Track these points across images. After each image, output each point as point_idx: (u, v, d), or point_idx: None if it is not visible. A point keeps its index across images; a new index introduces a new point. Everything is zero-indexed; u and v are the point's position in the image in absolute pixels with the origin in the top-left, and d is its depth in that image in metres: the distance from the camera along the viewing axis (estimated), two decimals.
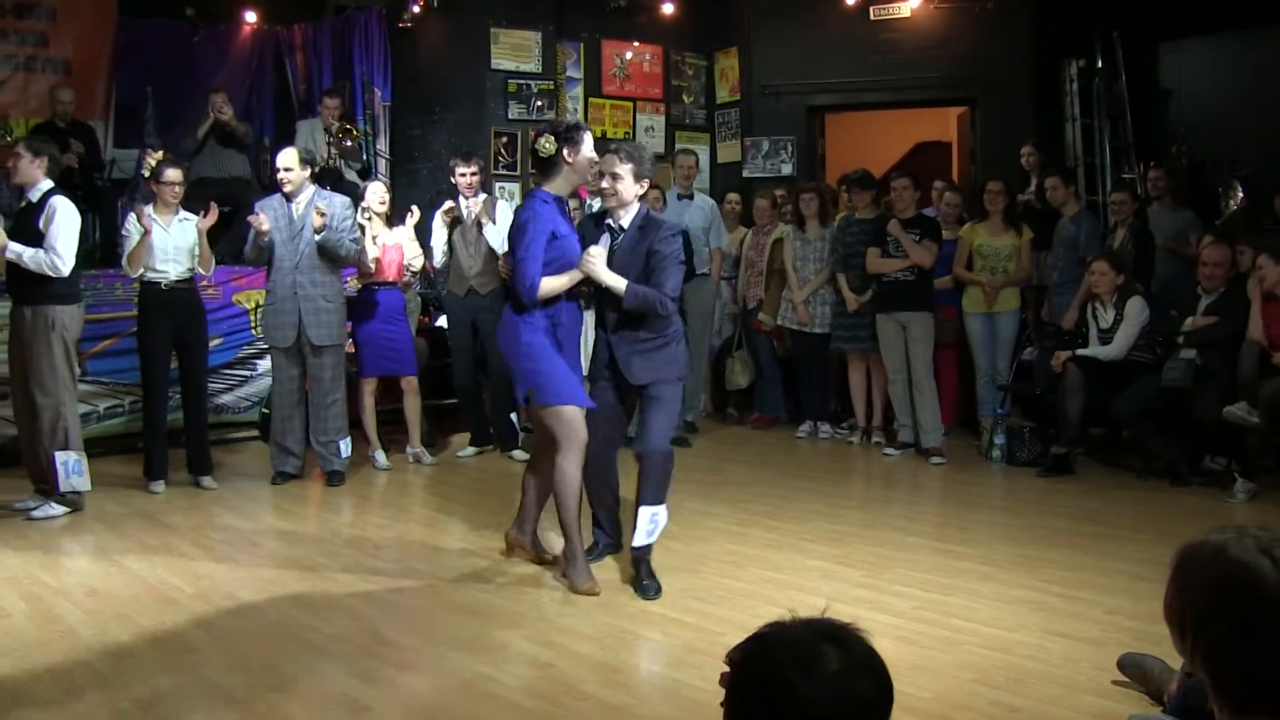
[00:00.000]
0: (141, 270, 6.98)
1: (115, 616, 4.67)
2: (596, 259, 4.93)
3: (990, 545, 5.68)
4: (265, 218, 7.11)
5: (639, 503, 5.06)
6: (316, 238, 7.09)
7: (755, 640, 1.65)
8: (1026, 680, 3.84)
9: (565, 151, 5.04)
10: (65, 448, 6.40)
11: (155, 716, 3.64)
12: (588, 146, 5.10)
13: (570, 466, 5.00)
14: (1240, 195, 9.39)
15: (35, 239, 6.27)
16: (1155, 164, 9.15)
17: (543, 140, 5.10)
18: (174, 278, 7.02)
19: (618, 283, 4.95)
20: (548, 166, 5.11)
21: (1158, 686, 3.60)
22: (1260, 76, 10.08)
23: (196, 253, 7.07)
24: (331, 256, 7.20)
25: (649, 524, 5.03)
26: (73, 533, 6.16)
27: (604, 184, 5.08)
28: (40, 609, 4.79)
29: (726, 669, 1.66)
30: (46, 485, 6.46)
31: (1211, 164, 10.13)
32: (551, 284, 4.97)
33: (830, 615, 1.64)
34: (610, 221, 5.14)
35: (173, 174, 7.07)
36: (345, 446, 7.42)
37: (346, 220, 7.26)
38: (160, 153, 8.93)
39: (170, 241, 6.99)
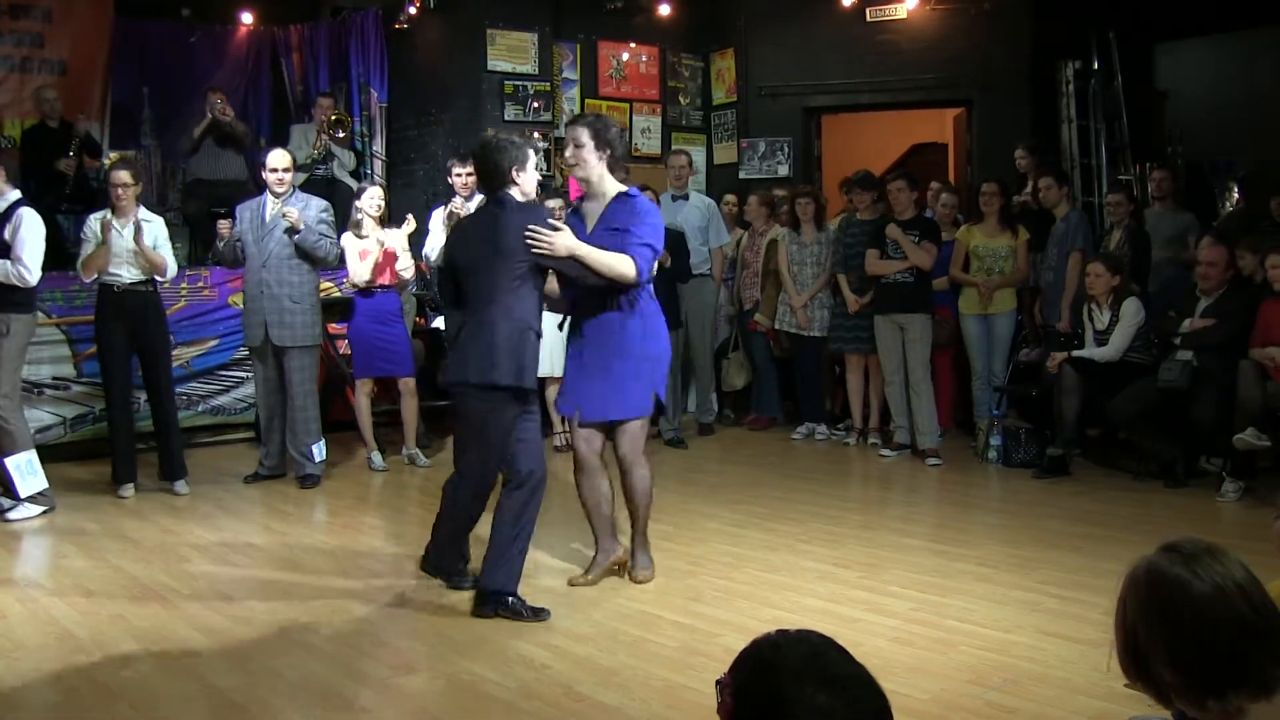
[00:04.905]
0: (96, 275, 6.91)
1: (111, 618, 4.66)
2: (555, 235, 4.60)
3: (986, 546, 5.67)
4: (228, 224, 7.21)
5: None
6: (294, 238, 7.08)
7: (751, 661, 1.62)
8: (1023, 681, 3.84)
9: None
10: (14, 452, 6.37)
11: (152, 718, 3.64)
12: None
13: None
14: (1237, 197, 9.38)
15: None
16: (1158, 165, 9.11)
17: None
18: (128, 280, 6.92)
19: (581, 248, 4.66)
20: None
21: None
22: (1256, 77, 10.10)
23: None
24: (310, 258, 7.20)
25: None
26: (67, 535, 6.14)
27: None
28: (35, 611, 4.78)
29: (722, 680, 1.62)
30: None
31: (1208, 165, 10.13)
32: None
33: (814, 624, 1.63)
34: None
35: (118, 175, 6.95)
36: (319, 450, 7.36)
37: (321, 224, 7.22)
38: (116, 154, 8.89)
39: (124, 244, 6.89)
